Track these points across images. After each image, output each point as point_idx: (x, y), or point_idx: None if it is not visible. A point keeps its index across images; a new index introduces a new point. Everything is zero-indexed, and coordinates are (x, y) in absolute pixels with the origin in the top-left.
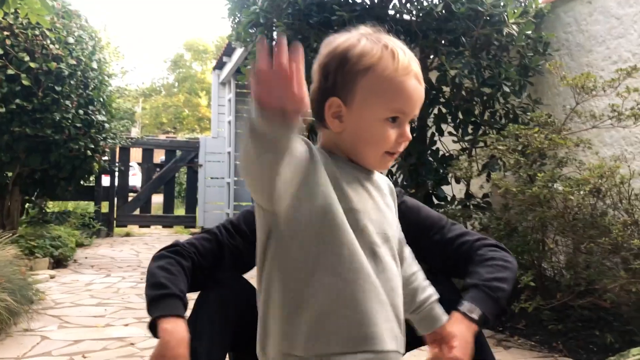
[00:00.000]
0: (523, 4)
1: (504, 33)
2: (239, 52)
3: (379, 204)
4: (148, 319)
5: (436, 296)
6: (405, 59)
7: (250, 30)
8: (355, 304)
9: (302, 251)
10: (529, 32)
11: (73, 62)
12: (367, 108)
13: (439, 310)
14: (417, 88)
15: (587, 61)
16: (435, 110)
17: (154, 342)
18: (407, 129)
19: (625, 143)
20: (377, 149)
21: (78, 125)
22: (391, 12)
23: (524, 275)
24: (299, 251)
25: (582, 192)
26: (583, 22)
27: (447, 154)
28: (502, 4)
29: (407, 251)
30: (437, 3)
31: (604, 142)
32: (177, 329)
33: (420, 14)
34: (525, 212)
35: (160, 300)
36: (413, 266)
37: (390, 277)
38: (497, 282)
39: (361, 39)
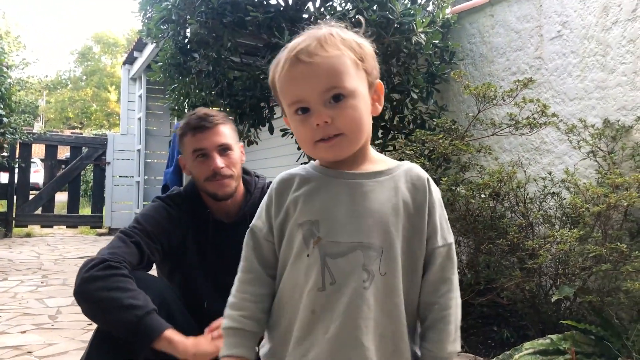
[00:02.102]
0: (431, 14)
1: (413, 41)
2: (150, 47)
3: (356, 210)
4: (54, 325)
5: (435, 348)
6: (289, 48)
7: (161, 27)
8: (288, 321)
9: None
10: (436, 41)
11: None
12: (285, 109)
13: None
14: (298, 69)
15: (489, 71)
16: None
17: (54, 349)
18: (320, 112)
19: (522, 150)
20: (306, 144)
21: None
22: (305, 16)
23: None
24: None
25: (482, 196)
26: (486, 34)
27: None
28: (411, 12)
29: (434, 269)
30: (350, 9)
31: (503, 148)
32: (180, 337)
33: (334, 20)
34: None
35: (144, 320)
36: (435, 295)
37: (342, 291)
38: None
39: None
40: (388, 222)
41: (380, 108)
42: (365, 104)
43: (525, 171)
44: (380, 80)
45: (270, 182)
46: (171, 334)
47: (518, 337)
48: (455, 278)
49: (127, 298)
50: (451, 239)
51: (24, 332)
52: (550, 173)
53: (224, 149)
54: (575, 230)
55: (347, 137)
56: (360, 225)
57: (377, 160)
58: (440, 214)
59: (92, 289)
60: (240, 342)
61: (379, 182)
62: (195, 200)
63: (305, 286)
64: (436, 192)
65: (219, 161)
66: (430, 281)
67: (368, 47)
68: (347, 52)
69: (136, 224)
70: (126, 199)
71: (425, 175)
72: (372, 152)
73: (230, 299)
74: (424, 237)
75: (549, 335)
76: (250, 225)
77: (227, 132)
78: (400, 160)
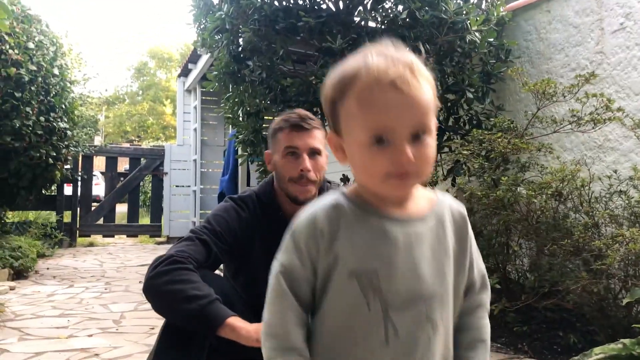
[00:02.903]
0: (485, 12)
1: (467, 40)
2: (204, 59)
3: (414, 257)
4: (119, 329)
5: None
6: (376, 70)
7: (215, 37)
8: None
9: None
10: (491, 39)
11: (33, 67)
12: (350, 134)
13: None
14: (393, 97)
15: (546, 68)
16: None
17: (119, 352)
18: (404, 147)
19: (584, 148)
20: (373, 176)
21: (39, 132)
22: (357, 19)
23: (490, 278)
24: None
25: (544, 196)
26: (543, 31)
27: None
28: (464, 11)
29: (471, 295)
30: (402, 10)
31: (564, 147)
32: (244, 324)
33: (385, 21)
34: (490, 216)
35: (208, 308)
36: (471, 316)
37: (411, 346)
38: None
39: (350, 61)
40: (444, 268)
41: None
42: (435, 142)
43: (589, 170)
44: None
45: (336, 185)
46: (234, 320)
47: (585, 343)
48: (488, 301)
49: (191, 289)
50: (484, 266)
51: (91, 335)
52: (615, 171)
53: (315, 153)
54: None
55: (419, 175)
56: (419, 273)
57: (417, 196)
58: (473, 243)
59: (158, 283)
60: None
61: (428, 225)
62: (268, 202)
63: (366, 341)
64: (470, 224)
65: (308, 163)
66: (468, 305)
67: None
68: (431, 85)
69: (206, 224)
70: (183, 208)
71: (463, 208)
72: None
73: (274, 330)
74: (467, 271)
75: (622, 340)
76: (283, 262)
77: (320, 137)
78: (457, 161)
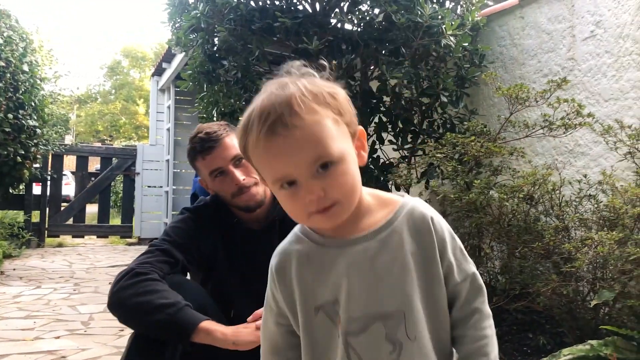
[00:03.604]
0: (460, 17)
1: (442, 44)
2: (178, 58)
3: (366, 278)
4: (87, 331)
5: None
6: (257, 120)
7: (190, 36)
8: None
9: None
10: (466, 44)
11: (2, 63)
12: (266, 179)
13: None
14: (277, 147)
15: (520, 74)
16: (376, 119)
17: (87, 354)
18: (311, 186)
19: (555, 152)
20: (297, 217)
21: (7, 130)
22: (333, 21)
23: None
24: None
25: (516, 199)
26: (516, 36)
27: (387, 162)
28: (440, 16)
29: (459, 305)
30: (378, 13)
31: (536, 151)
32: (218, 326)
33: (362, 24)
34: (462, 219)
35: (178, 316)
36: (465, 328)
37: None
38: None
39: (250, 107)
40: (403, 282)
41: (365, 155)
42: (354, 163)
43: (560, 174)
44: (360, 126)
45: None
46: (208, 324)
47: (555, 344)
48: (486, 307)
49: (157, 299)
50: (472, 268)
51: (58, 337)
52: (585, 176)
53: (238, 160)
54: (614, 233)
55: (343, 204)
56: (374, 294)
57: (373, 208)
58: (453, 247)
59: (123, 297)
60: None
61: (382, 241)
62: (223, 210)
63: None
64: (443, 227)
65: (239, 175)
66: (458, 316)
67: (341, 94)
68: (325, 111)
69: (165, 236)
70: (155, 208)
71: (428, 213)
72: (365, 196)
73: None
74: (442, 280)
75: (589, 341)
76: (267, 295)
77: (234, 143)
78: (430, 164)
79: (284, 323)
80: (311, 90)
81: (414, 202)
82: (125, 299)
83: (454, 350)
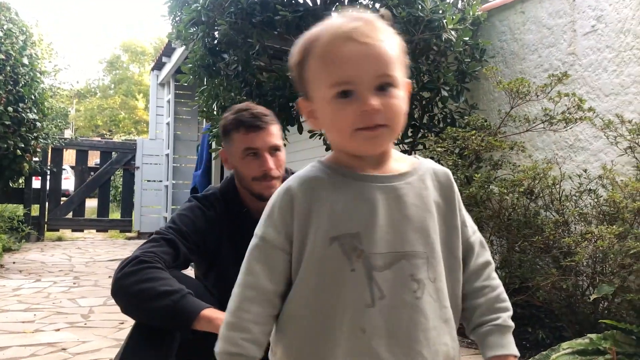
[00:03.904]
0: (461, 12)
1: (443, 39)
2: (178, 52)
3: (394, 217)
4: (87, 323)
5: (499, 320)
6: (334, 26)
7: (191, 29)
8: (326, 344)
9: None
10: (467, 38)
11: (2, 56)
12: (317, 94)
13: (494, 338)
14: (352, 48)
15: (520, 69)
16: None
17: (87, 346)
18: (368, 98)
19: (555, 147)
20: (342, 131)
21: (7, 122)
22: (334, 14)
23: None
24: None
25: (516, 193)
26: (517, 31)
27: None
28: (441, 10)
29: (473, 258)
30: (379, 7)
31: (536, 146)
32: (220, 314)
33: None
34: None
35: (181, 303)
36: (481, 280)
37: (397, 306)
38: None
39: (313, 28)
40: (427, 226)
41: (406, 108)
42: (405, 97)
43: (560, 168)
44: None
45: (291, 172)
46: (209, 312)
47: (554, 338)
48: (491, 258)
49: (160, 286)
50: (478, 231)
51: (58, 330)
52: (585, 170)
53: (275, 150)
54: (614, 227)
55: (390, 129)
56: (401, 233)
57: (397, 158)
58: (463, 208)
59: (127, 284)
60: None
61: (409, 183)
62: (232, 200)
63: (350, 304)
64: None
65: (271, 162)
66: (474, 269)
67: (401, 42)
68: (395, 40)
69: (171, 224)
70: (155, 203)
71: (448, 170)
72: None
73: (229, 317)
74: (460, 232)
75: (588, 335)
76: (258, 233)
77: (277, 133)
78: (431, 159)
79: (287, 251)
80: (386, 23)
81: (431, 161)
82: (129, 286)
83: (469, 304)
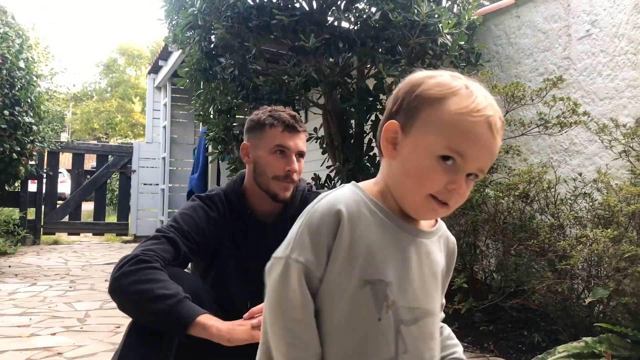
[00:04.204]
0: (457, 16)
1: (439, 43)
2: (175, 55)
3: (423, 273)
4: (83, 327)
5: (457, 355)
6: (482, 103)
7: (187, 33)
8: None
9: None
10: (462, 43)
11: None
12: (423, 138)
13: None
14: (486, 136)
15: (515, 72)
16: (373, 117)
17: (83, 351)
18: (462, 179)
19: (551, 151)
20: (421, 188)
21: (3, 126)
22: (330, 19)
23: (457, 278)
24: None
25: (511, 197)
26: (512, 35)
27: None
28: (436, 14)
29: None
30: (375, 11)
31: (531, 150)
32: (215, 321)
33: (359, 22)
34: (458, 216)
35: (177, 307)
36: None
37: (414, 357)
38: None
39: (444, 74)
40: (439, 287)
41: None
42: None
43: (555, 172)
44: None
45: (309, 186)
46: (205, 319)
47: (550, 342)
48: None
49: (158, 288)
50: None
51: (54, 334)
52: (580, 174)
53: (301, 156)
54: (609, 231)
55: (449, 211)
56: (426, 290)
57: None
58: None
59: (125, 283)
60: None
61: (433, 242)
62: (236, 201)
63: (372, 353)
64: None
65: (296, 165)
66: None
67: None
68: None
69: (173, 222)
70: (151, 206)
71: (454, 239)
72: None
73: (297, 342)
74: (443, 300)
75: (584, 338)
76: (302, 260)
77: (305, 141)
78: None
79: (320, 283)
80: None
81: (444, 224)
82: (127, 285)
83: None
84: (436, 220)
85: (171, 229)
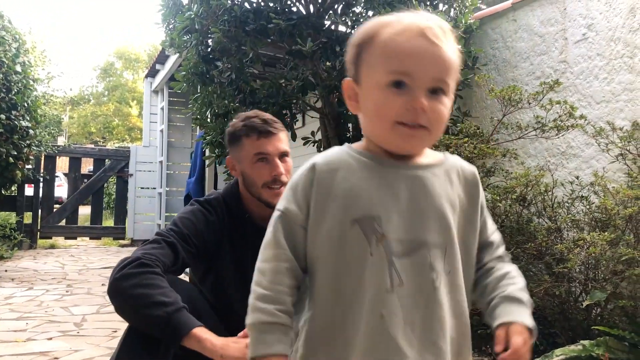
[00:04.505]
0: (453, 20)
1: None
2: (172, 59)
3: (417, 205)
4: (80, 332)
5: (505, 292)
6: (412, 20)
7: (184, 37)
8: (344, 326)
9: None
10: (459, 46)
11: None
12: (370, 78)
13: (499, 309)
14: (424, 45)
15: (512, 76)
16: None
17: (80, 355)
18: (420, 95)
19: (548, 154)
20: (384, 120)
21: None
22: (327, 23)
23: None
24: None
25: (509, 200)
26: (509, 39)
27: None
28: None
29: (491, 251)
30: (372, 15)
31: (528, 153)
32: (210, 336)
33: (355, 26)
34: None
35: (174, 316)
36: (495, 268)
37: (415, 293)
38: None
39: (383, 16)
40: (448, 218)
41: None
42: (450, 107)
43: (552, 175)
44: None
45: None
46: (200, 332)
47: (547, 345)
48: (507, 255)
49: (158, 295)
50: (495, 226)
51: (50, 338)
52: (577, 177)
53: (284, 156)
54: (606, 234)
55: (430, 133)
56: (423, 221)
57: (426, 154)
58: (485, 205)
59: (125, 286)
60: (281, 339)
61: (435, 174)
62: (234, 205)
63: (369, 289)
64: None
65: (281, 167)
66: (493, 256)
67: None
68: (457, 52)
69: (173, 226)
70: (148, 210)
71: (475, 169)
72: None
73: (261, 290)
74: (477, 231)
75: (581, 342)
76: (281, 208)
77: (286, 139)
78: None
79: (306, 228)
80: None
81: (458, 158)
82: (126, 288)
83: (480, 287)
84: (441, 157)
85: (171, 232)
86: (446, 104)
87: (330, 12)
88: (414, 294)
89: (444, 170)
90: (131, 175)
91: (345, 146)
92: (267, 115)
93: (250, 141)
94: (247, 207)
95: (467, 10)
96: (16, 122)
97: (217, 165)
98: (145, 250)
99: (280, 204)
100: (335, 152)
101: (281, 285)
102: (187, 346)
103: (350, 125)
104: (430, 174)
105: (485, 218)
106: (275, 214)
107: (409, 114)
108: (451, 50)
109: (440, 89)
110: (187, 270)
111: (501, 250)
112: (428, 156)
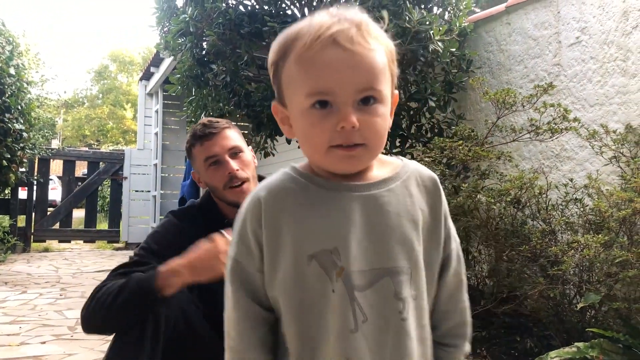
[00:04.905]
0: (448, 23)
1: (430, 50)
2: (167, 62)
3: (375, 229)
4: (74, 335)
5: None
6: (317, 27)
7: (179, 40)
8: None
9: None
10: (453, 49)
11: None
12: (292, 101)
13: None
14: (336, 55)
15: (506, 79)
16: None
17: (73, 359)
18: (348, 112)
19: (542, 157)
20: (315, 146)
21: None
22: None
23: None
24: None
25: (503, 203)
26: (503, 42)
27: None
28: (428, 21)
29: (449, 274)
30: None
31: (522, 156)
32: (175, 262)
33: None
34: None
35: (136, 283)
36: (451, 301)
37: (382, 328)
38: None
39: (296, 24)
40: (411, 238)
41: (390, 122)
42: (389, 115)
43: (546, 178)
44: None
45: None
46: (164, 266)
47: (542, 347)
48: (465, 276)
49: (113, 292)
50: (456, 234)
51: (44, 342)
52: (571, 180)
53: (235, 152)
54: (600, 236)
55: (369, 149)
56: (384, 247)
57: (375, 165)
58: (449, 215)
59: (89, 313)
60: None
61: (391, 190)
62: (211, 211)
63: (332, 331)
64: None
65: (233, 164)
66: (448, 288)
67: (394, 48)
68: (384, 50)
69: (144, 244)
70: (143, 213)
71: (434, 175)
72: None
73: (230, 341)
74: (441, 244)
75: (576, 344)
76: (232, 254)
77: (234, 136)
78: None
79: (262, 271)
80: (376, 25)
81: (416, 164)
82: (90, 311)
83: (438, 319)
84: (398, 165)
85: (142, 252)
86: (381, 113)
87: None
88: (380, 330)
89: (401, 183)
90: (125, 178)
91: (290, 169)
92: (208, 119)
93: (198, 149)
94: (224, 213)
95: (461, 14)
96: (10, 125)
97: None
98: (107, 277)
99: (231, 251)
100: (280, 179)
101: (247, 337)
102: (168, 290)
103: None
104: (385, 191)
105: (449, 230)
106: (228, 263)
107: (341, 136)
108: (375, 52)
109: (371, 97)
110: None
111: (460, 275)
112: (383, 166)
